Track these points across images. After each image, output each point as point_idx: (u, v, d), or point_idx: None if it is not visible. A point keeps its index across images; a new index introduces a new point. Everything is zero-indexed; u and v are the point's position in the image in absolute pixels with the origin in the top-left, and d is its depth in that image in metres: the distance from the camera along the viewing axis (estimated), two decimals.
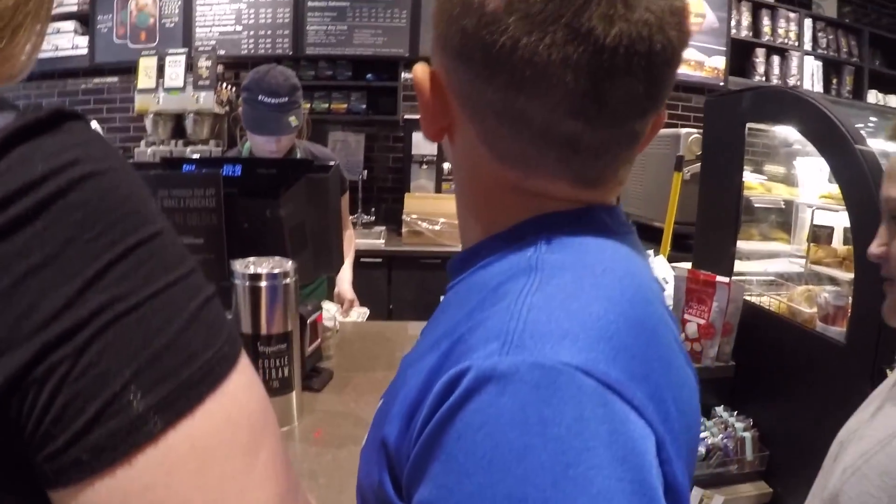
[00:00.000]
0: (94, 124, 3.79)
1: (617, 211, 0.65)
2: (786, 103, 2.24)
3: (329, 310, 2.22)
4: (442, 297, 0.68)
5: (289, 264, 1.58)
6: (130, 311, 0.40)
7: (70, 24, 4.65)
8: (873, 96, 5.51)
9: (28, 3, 0.45)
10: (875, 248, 1.08)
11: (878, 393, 1.14)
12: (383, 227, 4.59)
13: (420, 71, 0.64)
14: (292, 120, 2.37)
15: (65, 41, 4.65)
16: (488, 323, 0.51)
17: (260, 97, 2.31)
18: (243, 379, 0.44)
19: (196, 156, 3.94)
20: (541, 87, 0.54)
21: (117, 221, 0.41)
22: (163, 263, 0.43)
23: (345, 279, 2.76)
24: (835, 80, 5.45)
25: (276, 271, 1.54)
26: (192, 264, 0.45)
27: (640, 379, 0.49)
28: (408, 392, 0.54)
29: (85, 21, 4.66)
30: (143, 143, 4.31)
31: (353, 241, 3.00)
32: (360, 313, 2.78)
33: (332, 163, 2.03)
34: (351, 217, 3.13)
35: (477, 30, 0.55)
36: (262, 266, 1.55)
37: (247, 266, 1.54)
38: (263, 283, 1.52)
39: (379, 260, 4.16)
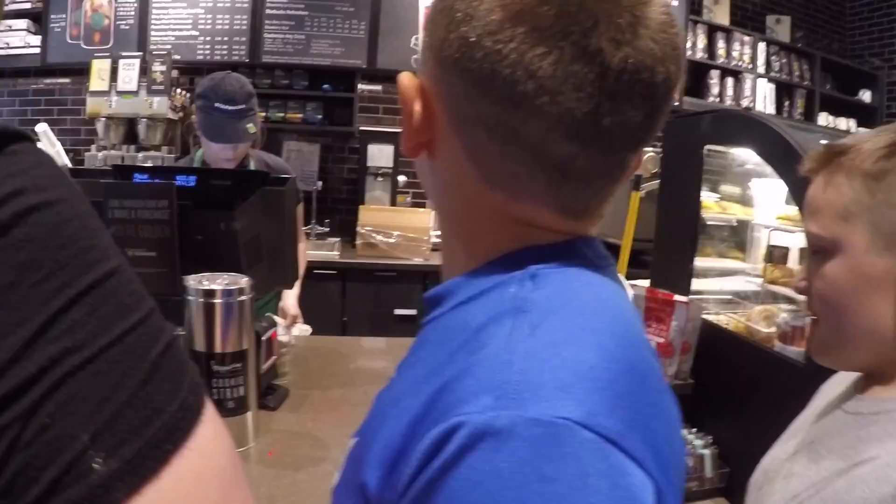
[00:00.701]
0: (45, 126, 3.67)
1: (596, 243, 0.64)
2: (745, 126, 2.25)
3: (278, 324, 2.16)
4: (419, 317, 0.64)
5: (244, 280, 1.53)
6: (85, 363, 0.35)
7: (22, 23, 4.52)
8: (823, 119, 5.65)
9: None
10: (797, 281, 1.05)
11: (801, 425, 1.09)
12: (337, 239, 4.51)
13: (407, 79, 0.61)
14: (250, 127, 2.32)
15: (16, 39, 4.51)
16: (477, 371, 0.48)
17: (217, 104, 2.25)
18: (209, 431, 0.40)
19: (149, 163, 3.85)
20: (540, 104, 0.52)
21: (67, 261, 0.36)
22: (119, 307, 0.38)
23: (291, 293, 2.68)
24: (787, 103, 5.57)
25: (231, 288, 1.49)
26: (150, 304, 0.40)
27: (639, 427, 0.48)
28: (389, 437, 0.51)
29: (38, 20, 4.53)
30: (94, 147, 4.19)
31: (306, 254, 2.93)
32: (301, 330, 2.71)
33: (288, 175, 1.98)
34: (305, 228, 3.07)
35: (480, 38, 0.53)
36: (216, 282, 1.49)
37: (200, 282, 1.48)
38: (218, 300, 1.47)
39: (333, 272, 4.09)
